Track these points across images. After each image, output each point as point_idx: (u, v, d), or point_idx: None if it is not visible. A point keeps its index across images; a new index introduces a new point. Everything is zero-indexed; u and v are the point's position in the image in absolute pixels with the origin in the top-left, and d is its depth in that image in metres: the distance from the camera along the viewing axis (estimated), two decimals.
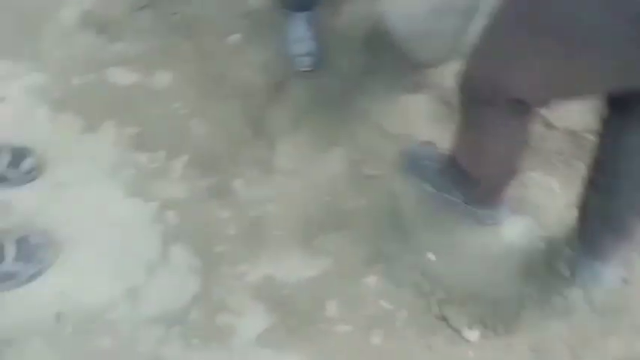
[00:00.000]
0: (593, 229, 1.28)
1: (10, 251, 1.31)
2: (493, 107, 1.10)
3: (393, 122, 1.70)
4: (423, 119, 1.72)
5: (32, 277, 1.34)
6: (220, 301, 1.37)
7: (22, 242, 1.33)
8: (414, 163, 1.55)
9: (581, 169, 1.52)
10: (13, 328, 1.30)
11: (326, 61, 1.77)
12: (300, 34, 1.71)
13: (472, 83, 1.12)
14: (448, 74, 1.69)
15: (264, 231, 1.51)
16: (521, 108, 1.09)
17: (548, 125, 1.67)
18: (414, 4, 1.08)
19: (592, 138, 1.55)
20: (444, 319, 1.39)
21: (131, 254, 1.42)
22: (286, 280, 1.43)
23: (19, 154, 1.47)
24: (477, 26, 1.18)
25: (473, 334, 1.37)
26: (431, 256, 1.49)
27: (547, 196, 1.57)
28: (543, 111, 1.62)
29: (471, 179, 1.34)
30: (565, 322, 1.37)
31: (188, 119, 1.68)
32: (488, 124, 1.17)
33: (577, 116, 1.65)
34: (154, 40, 1.82)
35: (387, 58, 1.79)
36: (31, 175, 1.48)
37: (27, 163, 1.46)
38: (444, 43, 1.32)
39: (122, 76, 1.75)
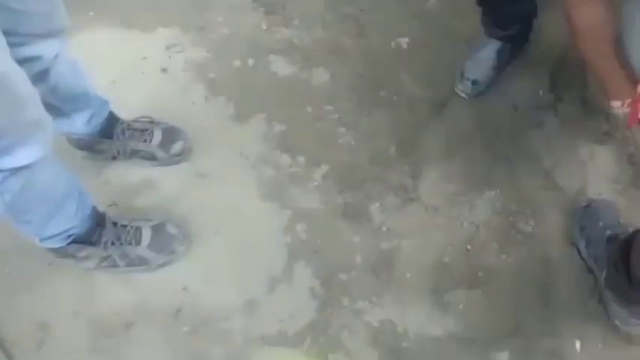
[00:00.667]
0: None
1: (146, 236, 1.31)
2: None
3: (564, 173, 1.45)
4: (601, 177, 1.44)
5: (161, 266, 1.33)
6: (336, 337, 1.28)
7: (158, 229, 1.32)
8: (585, 220, 1.30)
9: None
10: (135, 312, 1.32)
11: (500, 88, 1.53)
12: (483, 56, 1.48)
13: None
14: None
15: (394, 269, 1.37)
16: None
17: None
18: None
19: None
20: None
21: (256, 264, 1.36)
22: (408, 331, 1.29)
23: (171, 135, 1.45)
24: None
25: None
26: (577, 345, 1.26)
27: None
28: None
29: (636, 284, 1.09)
30: None
31: (336, 126, 1.56)
32: None
33: None
34: (320, 31, 1.70)
35: (574, 97, 1.51)
36: (179, 158, 1.46)
37: (177, 146, 1.45)
38: None
39: (282, 66, 1.66)
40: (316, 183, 1.49)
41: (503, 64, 1.51)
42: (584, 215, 1.32)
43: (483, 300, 1.33)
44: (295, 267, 1.37)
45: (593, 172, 1.44)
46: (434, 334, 1.29)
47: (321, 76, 1.64)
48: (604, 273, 1.22)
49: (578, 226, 1.31)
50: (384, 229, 1.43)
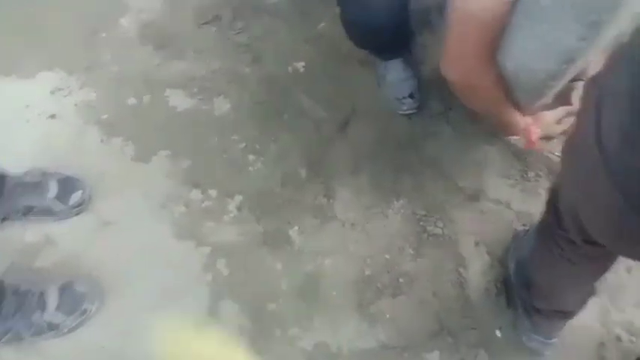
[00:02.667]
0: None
1: (53, 299, 1.16)
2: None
3: (463, 175, 1.49)
4: (495, 174, 1.51)
5: (74, 329, 1.18)
6: None
7: (65, 290, 1.18)
8: (518, 242, 1.32)
9: None
10: None
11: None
12: (396, 75, 1.49)
13: None
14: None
15: (319, 289, 1.34)
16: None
17: None
18: (528, 45, 0.90)
19: None
20: None
21: (179, 309, 1.26)
22: (342, 348, 1.26)
23: (67, 185, 1.31)
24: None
25: None
26: (498, 334, 1.29)
27: (626, 274, 1.35)
28: None
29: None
30: None
31: (244, 154, 1.50)
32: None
33: None
34: (215, 61, 1.63)
35: (461, 104, 1.57)
36: (79, 208, 1.32)
37: (76, 196, 1.31)
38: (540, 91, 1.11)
39: (180, 100, 1.57)
40: (232, 214, 1.42)
41: (416, 65, 1.53)
42: (521, 238, 1.33)
43: (407, 305, 1.33)
44: (221, 305, 1.28)
45: (488, 171, 1.50)
46: (366, 346, 1.27)
47: (222, 105, 1.57)
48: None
49: (513, 247, 1.33)
50: (305, 251, 1.38)
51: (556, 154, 1.51)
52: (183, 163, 1.47)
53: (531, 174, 1.48)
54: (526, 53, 0.92)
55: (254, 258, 1.36)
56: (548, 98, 1.06)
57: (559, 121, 1.19)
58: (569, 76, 0.99)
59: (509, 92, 1.02)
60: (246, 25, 1.69)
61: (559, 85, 1.01)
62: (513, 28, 0.90)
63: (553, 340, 1.19)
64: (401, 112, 1.52)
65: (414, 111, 1.52)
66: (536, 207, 1.42)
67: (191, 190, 1.44)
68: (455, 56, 0.96)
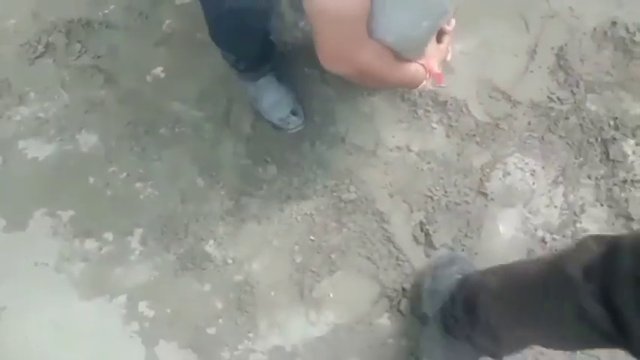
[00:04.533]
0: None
1: None
2: None
3: (358, 133, 1.46)
4: (388, 122, 1.49)
5: None
6: None
7: None
8: (439, 266, 1.23)
9: (555, 142, 1.39)
10: None
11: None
12: (273, 97, 1.38)
13: None
14: None
15: (256, 295, 1.26)
16: None
17: (513, 102, 1.49)
18: (402, 17, 0.92)
19: (556, 105, 1.43)
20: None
21: None
22: (296, 345, 1.21)
23: None
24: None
25: None
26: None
27: (531, 179, 1.41)
28: (505, 87, 1.47)
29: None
30: None
31: (130, 184, 1.36)
32: None
33: (537, 86, 1.49)
34: (64, 95, 1.45)
35: None
36: None
37: None
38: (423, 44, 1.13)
39: (38, 148, 1.39)
40: (137, 252, 1.29)
41: (287, 77, 1.44)
42: (441, 262, 1.27)
43: (346, 278, 1.30)
44: (158, 351, 1.17)
45: (380, 121, 1.48)
46: (320, 333, 1.23)
47: (88, 140, 1.41)
48: (440, 305, 1.14)
49: (433, 266, 1.28)
50: (229, 261, 1.29)
51: (441, 85, 1.52)
52: (64, 215, 1.30)
53: (420, 111, 1.48)
54: (404, 24, 0.93)
55: (177, 288, 1.25)
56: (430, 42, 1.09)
57: (443, 44, 1.19)
58: (447, 18, 1.04)
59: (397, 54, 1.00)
60: (85, 45, 1.51)
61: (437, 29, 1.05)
62: (384, 6, 0.88)
63: None
64: (290, 132, 1.41)
65: (302, 127, 1.41)
66: (434, 142, 1.42)
67: (84, 241, 1.29)
68: (330, 50, 0.90)
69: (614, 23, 1.50)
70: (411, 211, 1.37)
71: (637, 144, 1.41)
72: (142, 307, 1.23)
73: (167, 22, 1.56)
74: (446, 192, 1.38)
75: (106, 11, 1.58)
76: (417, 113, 1.48)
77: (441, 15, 1.00)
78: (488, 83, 1.51)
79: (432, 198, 1.37)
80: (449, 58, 1.22)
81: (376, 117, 1.48)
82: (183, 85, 1.50)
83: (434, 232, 1.33)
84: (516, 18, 1.54)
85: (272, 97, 1.38)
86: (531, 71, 1.52)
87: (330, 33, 0.85)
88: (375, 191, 1.39)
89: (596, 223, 1.34)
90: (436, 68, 1.13)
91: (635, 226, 1.31)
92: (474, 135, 1.44)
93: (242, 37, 1.12)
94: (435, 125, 1.46)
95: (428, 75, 1.11)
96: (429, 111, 1.48)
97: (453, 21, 1.18)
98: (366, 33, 0.90)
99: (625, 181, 1.37)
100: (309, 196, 1.38)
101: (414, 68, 1.08)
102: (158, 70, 1.52)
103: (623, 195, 1.35)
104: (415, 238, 1.34)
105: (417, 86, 1.12)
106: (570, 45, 1.53)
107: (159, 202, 1.34)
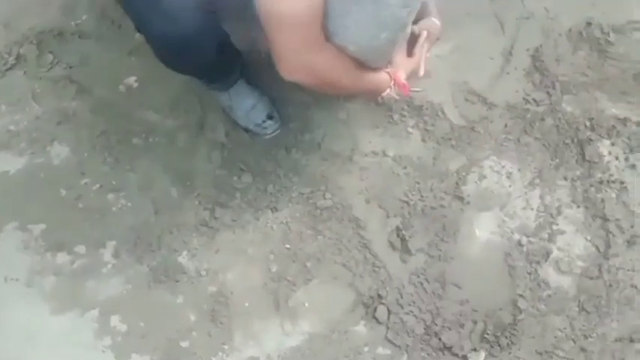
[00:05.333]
0: None
1: None
2: None
3: (334, 139, 1.45)
4: (364, 128, 1.48)
5: None
6: None
7: None
8: None
9: (531, 144, 1.38)
10: None
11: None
12: (245, 104, 1.36)
13: None
14: None
15: (230, 306, 1.25)
16: None
17: (489, 105, 1.48)
18: (357, 28, 0.92)
19: (532, 107, 1.42)
20: (447, 348, 1.21)
21: None
22: (271, 357, 1.19)
23: None
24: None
25: (479, 357, 1.20)
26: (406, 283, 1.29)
27: (508, 181, 1.40)
28: (481, 90, 1.46)
29: None
30: (563, 315, 1.23)
31: (102, 195, 1.34)
32: None
33: (513, 88, 1.48)
34: (35, 107, 1.43)
35: None
36: None
37: None
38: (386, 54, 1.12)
39: (9, 161, 1.37)
40: (110, 265, 1.27)
41: (260, 81, 1.42)
42: None
43: (322, 287, 1.29)
44: None
45: (355, 126, 1.47)
46: (295, 343, 1.22)
47: (59, 152, 1.39)
48: None
49: None
50: (202, 273, 1.27)
51: (415, 90, 1.50)
52: (36, 229, 1.29)
53: (396, 116, 1.47)
54: (364, 34, 0.92)
55: (150, 301, 1.23)
56: (395, 51, 1.08)
57: (412, 56, 1.17)
58: (408, 31, 1.03)
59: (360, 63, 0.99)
60: (57, 56, 1.49)
61: (401, 40, 1.04)
62: (341, 16, 0.88)
63: None
64: (267, 137, 1.39)
65: (279, 130, 1.39)
66: (410, 147, 1.41)
67: (55, 254, 1.27)
68: (288, 58, 0.89)
69: (588, 24, 1.49)
70: (387, 217, 1.35)
71: (612, 144, 1.39)
72: (115, 320, 1.21)
73: None
74: (422, 196, 1.37)
75: (79, 21, 1.56)
76: (392, 118, 1.47)
77: (400, 28, 0.98)
78: (463, 86, 1.49)
79: (408, 203, 1.36)
80: (421, 73, 1.19)
81: (352, 123, 1.46)
82: (157, 94, 1.48)
83: (410, 237, 1.32)
84: (492, 20, 1.53)
85: (246, 104, 1.37)
86: (507, 73, 1.50)
87: (287, 39, 0.83)
88: (351, 197, 1.38)
89: (572, 224, 1.32)
90: (403, 78, 1.10)
91: (611, 227, 1.30)
92: (450, 139, 1.43)
93: (185, 59, 1.06)
94: (410, 130, 1.45)
95: (393, 83, 1.09)
96: (404, 116, 1.47)
97: (427, 33, 1.16)
98: (323, 38, 0.89)
99: (601, 182, 1.35)
100: (284, 204, 1.36)
101: (378, 77, 1.06)
102: (131, 80, 1.50)
103: (599, 196, 1.34)
104: (391, 244, 1.32)
105: (380, 94, 1.10)
106: (546, 46, 1.52)
107: (132, 214, 1.32)
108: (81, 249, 1.27)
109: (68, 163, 1.37)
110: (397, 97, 1.34)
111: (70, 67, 1.49)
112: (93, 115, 1.44)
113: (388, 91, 1.09)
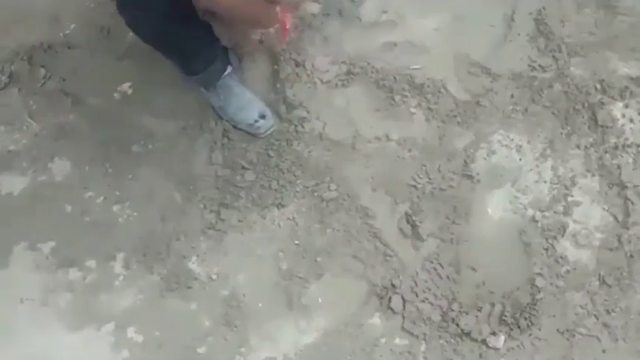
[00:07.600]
0: None
1: None
2: None
3: (336, 128, 1.39)
4: (365, 112, 1.42)
5: None
6: None
7: None
8: None
9: (540, 113, 1.31)
10: None
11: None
12: (237, 103, 1.33)
13: None
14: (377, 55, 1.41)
15: (243, 308, 1.23)
16: None
17: (493, 76, 1.40)
18: None
19: (539, 74, 1.34)
20: (465, 333, 1.17)
21: None
22: (288, 356, 1.17)
23: None
24: None
25: (499, 340, 1.16)
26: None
27: (518, 155, 1.33)
28: (484, 61, 1.39)
29: None
30: (584, 291, 1.17)
31: (108, 207, 1.32)
32: None
33: (517, 55, 1.39)
34: (32, 124, 1.42)
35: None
36: None
37: None
38: None
39: (11, 181, 1.36)
40: (122, 277, 1.26)
41: (251, 79, 1.40)
42: None
43: (334, 280, 1.26)
44: None
45: (356, 112, 1.43)
46: (311, 340, 1.19)
47: (61, 168, 1.37)
48: None
49: None
50: (213, 277, 1.25)
51: (413, 67, 1.43)
52: (45, 247, 1.28)
53: (397, 97, 1.41)
54: None
55: (164, 310, 1.22)
56: None
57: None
58: None
59: None
60: (49, 69, 1.46)
61: None
62: None
63: None
64: (262, 136, 1.35)
65: (273, 128, 1.35)
66: (414, 128, 1.35)
67: (67, 271, 1.26)
68: None
69: None
70: (396, 203, 1.31)
71: (626, 106, 1.31)
72: (131, 332, 1.20)
73: (130, 33, 1.50)
74: (430, 179, 1.32)
75: (67, 31, 1.53)
76: (394, 100, 1.41)
77: None
78: (465, 59, 1.42)
79: (415, 187, 1.31)
80: (288, 25, 1.27)
81: (352, 108, 1.41)
82: (153, 98, 1.45)
83: (420, 222, 1.27)
84: None
85: (236, 103, 1.33)
86: (510, 40, 1.42)
87: None
88: (357, 186, 1.33)
89: (588, 194, 1.26)
90: (289, 24, 1.22)
91: (629, 194, 1.23)
92: (455, 116, 1.37)
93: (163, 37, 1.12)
94: (413, 110, 1.39)
95: (279, 25, 1.20)
96: (406, 96, 1.40)
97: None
98: None
99: (616, 147, 1.28)
100: (289, 199, 1.32)
101: (270, 11, 1.16)
102: (125, 86, 1.46)
103: (614, 162, 1.27)
104: (402, 231, 1.28)
105: (267, 28, 1.24)
106: (549, 7, 1.43)
107: (138, 223, 1.31)
108: (92, 263, 1.27)
109: (70, 178, 1.35)
110: (277, 44, 1.37)
111: (63, 80, 1.46)
112: (90, 126, 1.42)
113: (272, 30, 1.22)
